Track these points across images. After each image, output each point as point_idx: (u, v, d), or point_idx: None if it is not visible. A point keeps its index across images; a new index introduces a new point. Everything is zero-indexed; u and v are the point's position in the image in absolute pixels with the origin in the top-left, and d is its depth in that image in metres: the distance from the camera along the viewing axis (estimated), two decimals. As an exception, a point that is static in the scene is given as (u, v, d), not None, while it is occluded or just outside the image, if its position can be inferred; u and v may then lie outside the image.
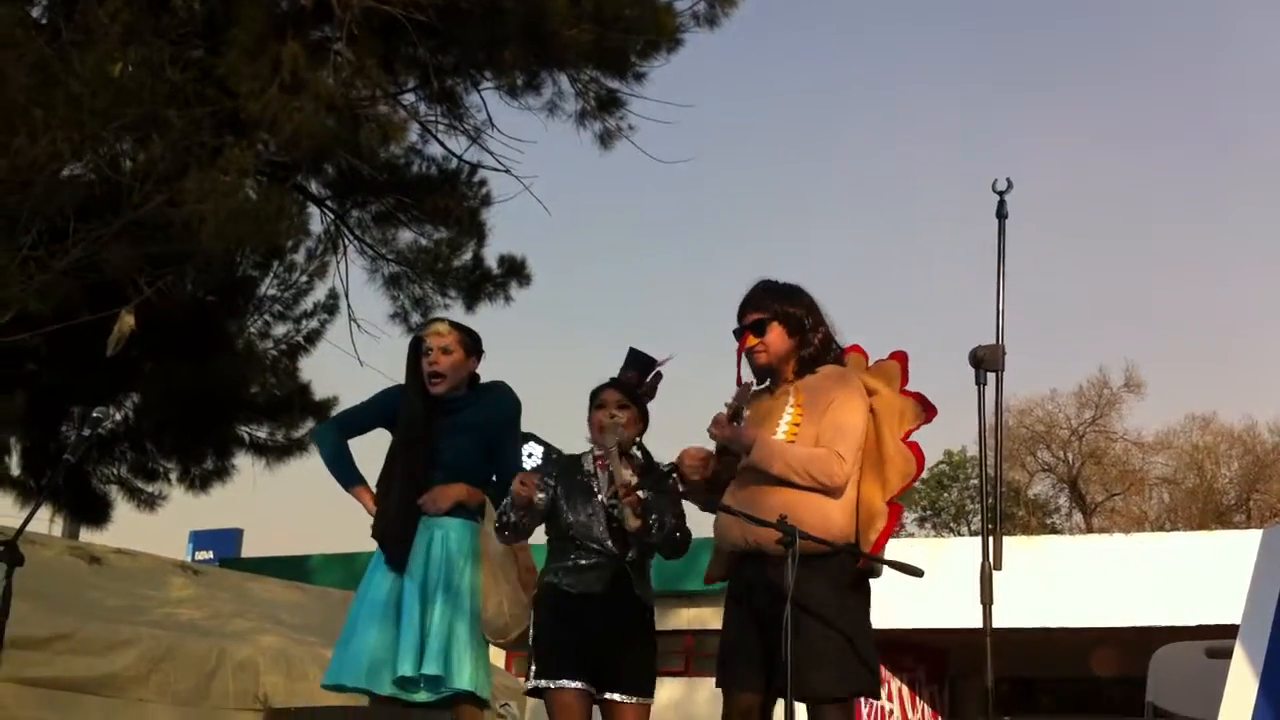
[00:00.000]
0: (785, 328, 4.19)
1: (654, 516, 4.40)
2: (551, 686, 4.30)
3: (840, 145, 50.46)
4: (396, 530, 4.46)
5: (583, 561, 4.45)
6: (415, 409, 4.57)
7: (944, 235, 47.95)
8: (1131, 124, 47.49)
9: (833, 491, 3.99)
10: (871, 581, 4.12)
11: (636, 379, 4.63)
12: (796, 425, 4.08)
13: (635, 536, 4.42)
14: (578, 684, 4.30)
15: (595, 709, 4.43)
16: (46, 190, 7.15)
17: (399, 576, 4.45)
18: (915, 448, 4.04)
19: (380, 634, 4.36)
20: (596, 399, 4.60)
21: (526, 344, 36.69)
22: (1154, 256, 46.42)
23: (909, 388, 4.12)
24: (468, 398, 4.63)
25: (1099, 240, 46.98)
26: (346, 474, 4.66)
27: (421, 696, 4.31)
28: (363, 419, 4.79)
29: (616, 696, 4.35)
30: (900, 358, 4.17)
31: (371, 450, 4.77)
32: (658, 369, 4.68)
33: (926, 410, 4.06)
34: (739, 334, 4.24)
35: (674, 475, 4.50)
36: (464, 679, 4.32)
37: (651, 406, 4.69)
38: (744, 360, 4.25)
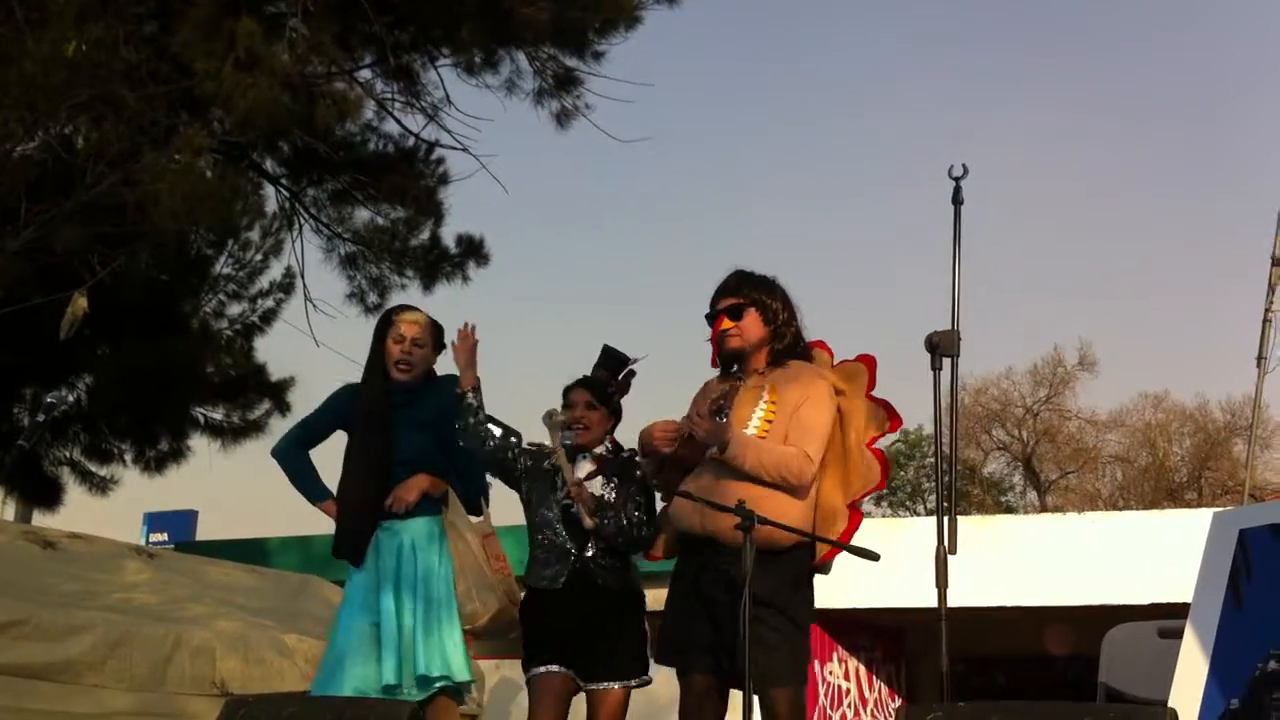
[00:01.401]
0: (761, 316, 4.20)
1: (609, 515, 4.43)
2: (535, 672, 4.42)
3: (798, 126, 50.50)
4: (356, 524, 4.44)
5: (543, 556, 4.51)
6: (376, 400, 4.53)
7: (901, 216, 48.15)
8: (1086, 102, 47.78)
9: (797, 490, 4.00)
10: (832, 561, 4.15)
11: (606, 377, 4.65)
12: (769, 422, 4.09)
13: (593, 532, 4.45)
14: (555, 668, 4.39)
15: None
16: (-2, 170, 7.06)
17: (375, 579, 4.43)
18: (880, 456, 4.07)
19: (365, 638, 4.34)
20: (566, 398, 4.64)
21: (485, 325, 36.55)
22: (1109, 234, 46.79)
23: (876, 394, 4.12)
24: (421, 391, 4.60)
25: (1054, 218, 47.30)
26: (311, 489, 4.64)
27: (413, 695, 4.29)
28: (319, 427, 4.76)
29: (591, 685, 4.42)
30: (869, 362, 4.17)
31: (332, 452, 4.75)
32: (630, 368, 4.70)
33: (891, 419, 4.07)
34: (712, 318, 4.25)
35: (636, 459, 4.54)
36: (464, 670, 4.33)
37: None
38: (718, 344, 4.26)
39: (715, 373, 4.37)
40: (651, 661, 4.49)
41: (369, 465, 4.49)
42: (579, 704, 4.48)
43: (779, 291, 4.26)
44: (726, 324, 4.20)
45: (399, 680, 4.27)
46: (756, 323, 4.20)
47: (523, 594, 4.58)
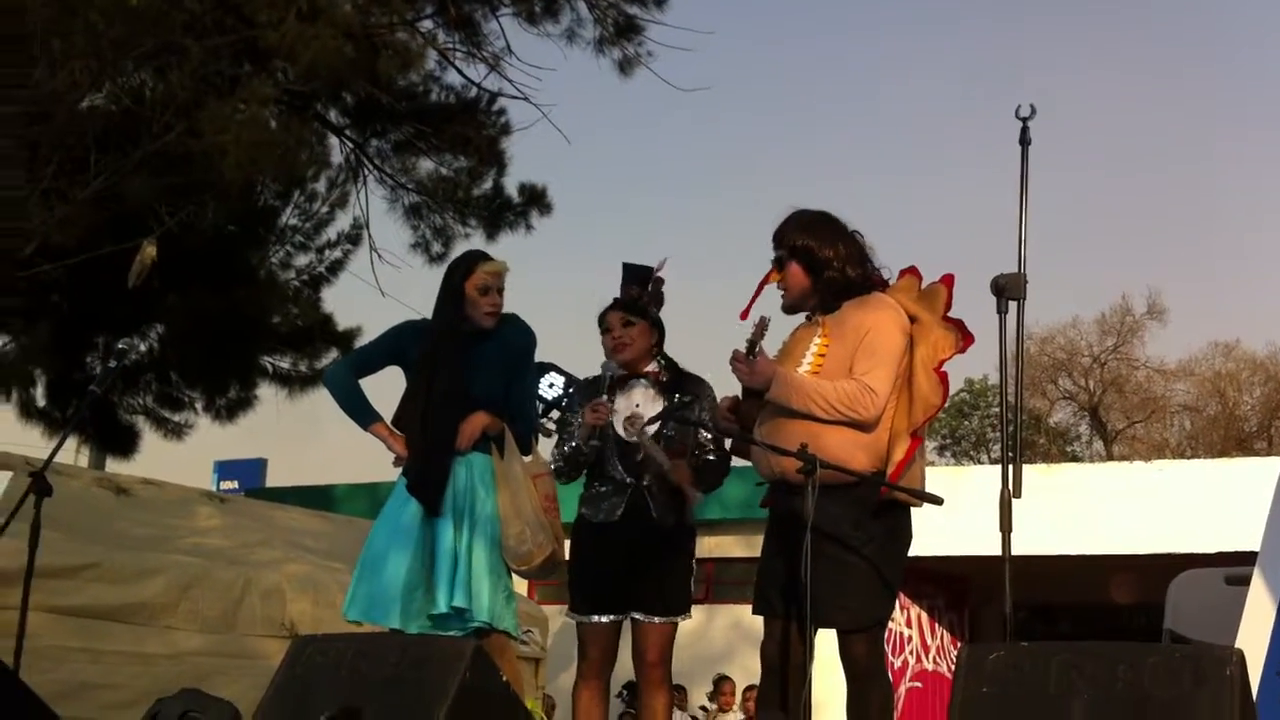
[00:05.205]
0: (801, 264, 4.12)
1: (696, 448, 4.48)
2: (583, 621, 4.52)
3: (860, 71, 49.95)
4: (438, 475, 4.44)
5: (601, 489, 4.53)
6: (455, 340, 4.52)
7: (967, 160, 47.59)
8: (1159, 46, 46.87)
9: (864, 426, 3.94)
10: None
11: (638, 293, 4.63)
12: (821, 356, 4.02)
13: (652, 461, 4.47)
14: (604, 618, 4.49)
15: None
16: (66, 121, 7.15)
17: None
18: (944, 378, 3.97)
19: (411, 568, 4.36)
20: (602, 323, 4.62)
21: (545, 272, 36.65)
22: (1180, 182, 45.97)
23: (952, 313, 4.04)
24: (490, 331, 4.61)
25: (1124, 165, 46.53)
26: (362, 413, 4.63)
27: (451, 630, 4.34)
28: (374, 358, 4.76)
29: (639, 616, 4.47)
30: (948, 281, 4.08)
31: (383, 387, 4.75)
32: (656, 275, 4.68)
33: (964, 338, 3.97)
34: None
35: (696, 408, 4.54)
36: (482, 611, 4.35)
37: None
38: (763, 292, 4.21)
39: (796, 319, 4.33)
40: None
41: (450, 404, 4.49)
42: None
43: (824, 230, 4.13)
44: (774, 277, 4.17)
45: (448, 609, 4.30)
46: (799, 273, 4.12)
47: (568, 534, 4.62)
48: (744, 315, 4.15)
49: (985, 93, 42.10)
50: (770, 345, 4.17)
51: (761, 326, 4.05)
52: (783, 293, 4.17)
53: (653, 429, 4.52)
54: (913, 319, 4.05)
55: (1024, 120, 3.90)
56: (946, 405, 4.39)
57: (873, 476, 3.94)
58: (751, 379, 4.05)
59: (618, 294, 4.69)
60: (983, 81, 45.47)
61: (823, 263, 4.10)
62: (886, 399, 3.95)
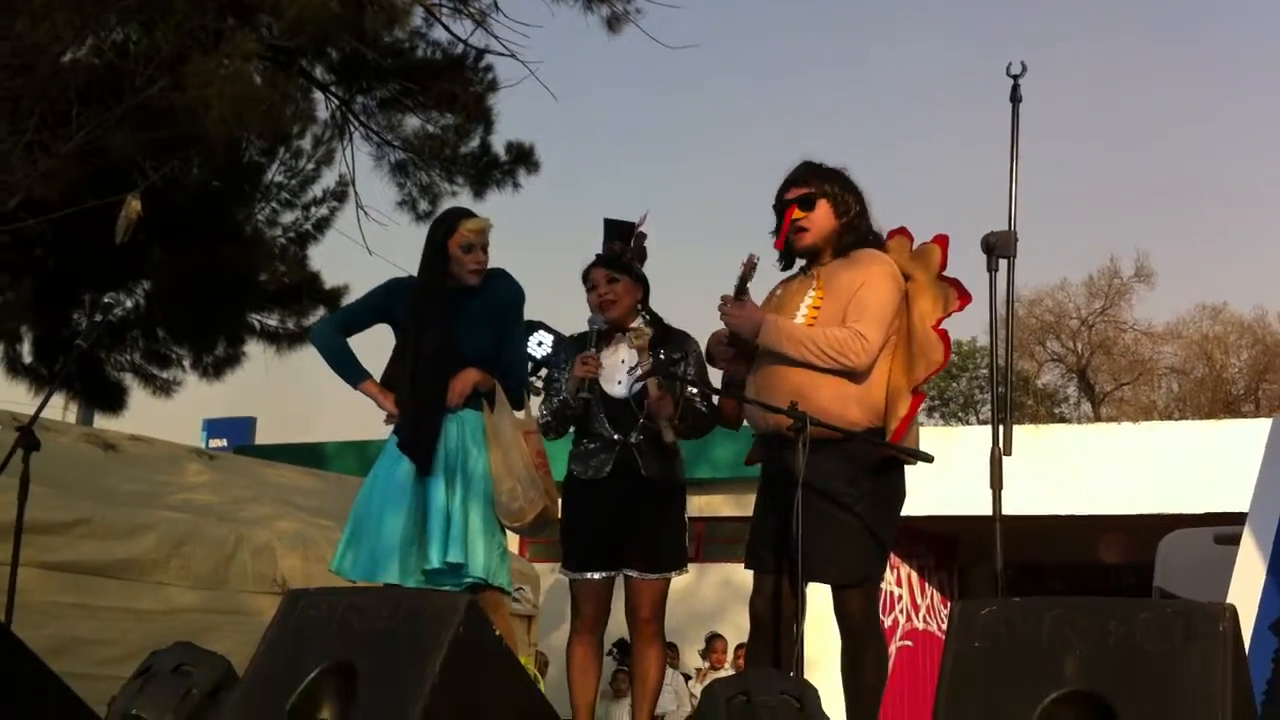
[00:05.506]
0: (833, 207, 4.11)
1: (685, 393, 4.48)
2: (576, 578, 4.55)
3: (850, 28, 49.70)
4: (429, 433, 4.41)
5: (590, 446, 4.54)
6: (436, 304, 4.47)
7: (956, 119, 47.44)
8: (1150, 11, 46.67)
9: (856, 374, 3.94)
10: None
11: (621, 248, 4.62)
12: (816, 308, 4.02)
13: (645, 416, 4.46)
14: (597, 575, 4.51)
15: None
16: (49, 74, 7.08)
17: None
18: (944, 336, 3.98)
19: (405, 525, 4.34)
20: (587, 280, 4.62)
21: (532, 230, 36.53)
22: (1168, 145, 45.90)
23: (947, 273, 4.04)
24: (474, 286, 4.57)
25: (1112, 127, 46.44)
26: (350, 372, 4.59)
27: (446, 586, 4.32)
28: (361, 316, 4.71)
29: (632, 574, 4.48)
30: (941, 241, 4.09)
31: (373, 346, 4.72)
32: (638, 231, 4.66)
33: (961, 297, 3.97)
34: (780, 209, 4.18)
35: (684, 363, 4.52)
36: (478, 566, 4.35)
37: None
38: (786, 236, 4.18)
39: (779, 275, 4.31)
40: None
41: (439, 361, 4.45)
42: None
43: (849, 182, 4.17)
44: (797, 214, 4.12)
45: (441, 564, 4.28)
46: (828, 214, 4.11)
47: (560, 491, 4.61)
48: (779, 244, 4.18)
49: (977, 54, 41.96)
50: (756, 300, 4.17)
51: (750, 265, 4.03)
52: (803, 231, 4.14)
53: (638, 387, 4.52)
54: (908, 278, 4.05)
55: (1015, 78, 3.87)
56: (940, 365, 4.39)
57: (865, 433, 3.94)
58: (741, 323, 4.04)
59: (600, 250, 4.69)
60: (974, 43, 45.30)
61: (849, 212, 4.10)
62: (879, 348, 3.96)
